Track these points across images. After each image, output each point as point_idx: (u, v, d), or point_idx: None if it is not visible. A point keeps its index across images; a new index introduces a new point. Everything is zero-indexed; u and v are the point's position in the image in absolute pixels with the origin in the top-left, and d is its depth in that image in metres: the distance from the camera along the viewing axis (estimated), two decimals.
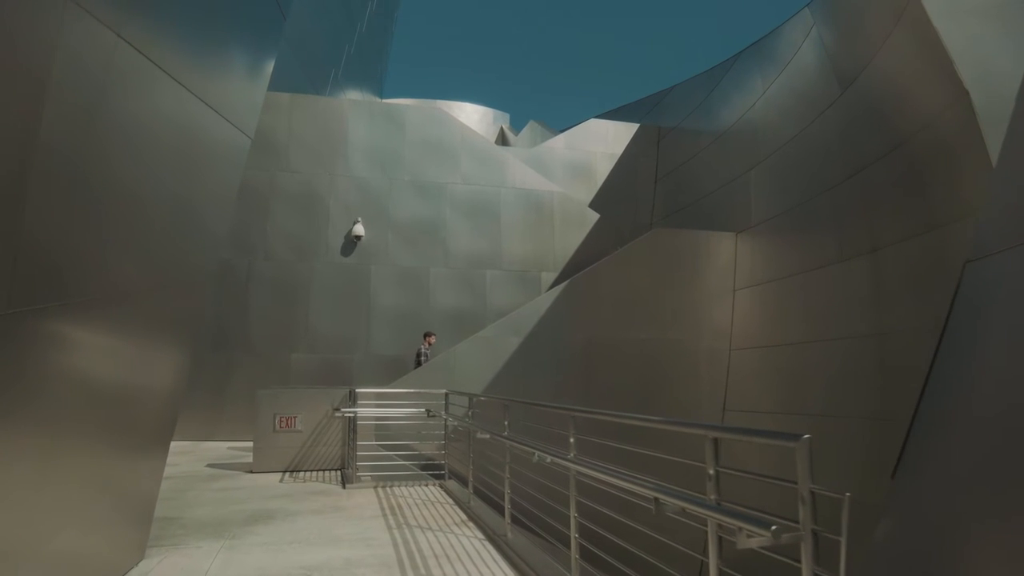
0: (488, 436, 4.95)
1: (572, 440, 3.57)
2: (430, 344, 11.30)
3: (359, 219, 12.42)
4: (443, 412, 7.38)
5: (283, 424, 8.27)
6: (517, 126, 23.67)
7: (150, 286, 4.43)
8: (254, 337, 11.94)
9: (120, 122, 3.68)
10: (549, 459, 3.55)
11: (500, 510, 5.33)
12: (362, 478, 7.33)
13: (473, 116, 22.72)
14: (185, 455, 9.80)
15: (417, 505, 6.29)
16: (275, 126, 12.37)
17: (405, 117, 13.05)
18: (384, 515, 5.84)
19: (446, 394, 7.56)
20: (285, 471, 8.19)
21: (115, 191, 3.75)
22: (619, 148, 16.04)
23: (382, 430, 7.87)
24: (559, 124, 17.38)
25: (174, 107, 4.37)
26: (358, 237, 12.39)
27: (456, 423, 6.70)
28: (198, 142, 4.90)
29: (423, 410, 7.45)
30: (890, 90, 8.20)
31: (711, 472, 2.30)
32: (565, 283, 11.29)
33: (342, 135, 12.68)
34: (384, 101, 13.72)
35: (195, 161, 4.90)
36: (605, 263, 11.58)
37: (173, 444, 11.04)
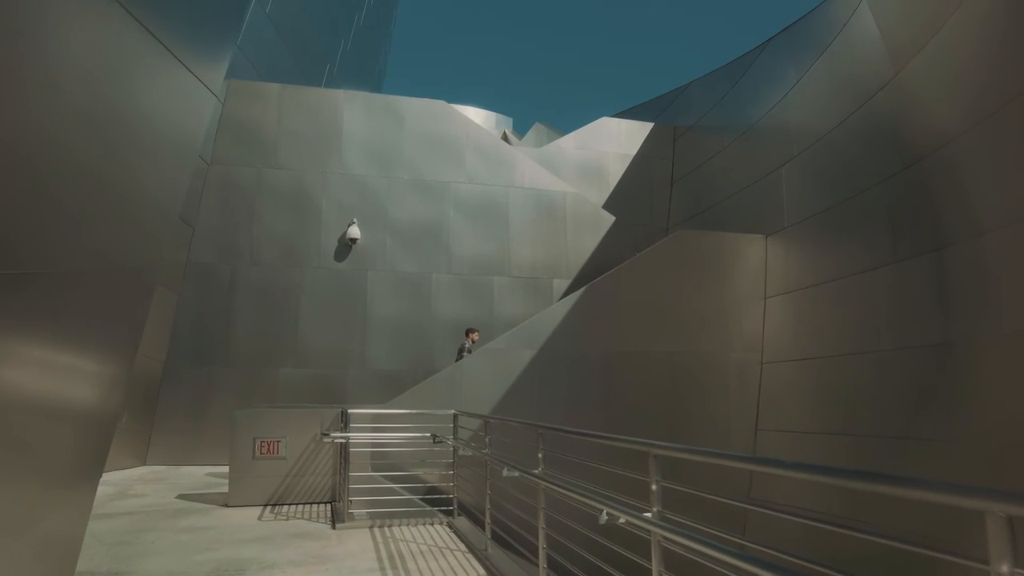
0: (517, 474, 3.83)
1: (655, 488, 2.47)
2: (474, 341, 10.39)
3: (354, 220, 11.36)
4: (451, 437, 6.25)
5: (264, 450, 7.13)
6: (521, 131, 22.72)
7: (82, 268, 3.37)
8: (238, 350, 10.81)
9: (54, 60, 2.67)
10: (623, 519, 2.45)
11: (528, 561, 4.21)
12: (355, 515, 6.19)
13: (475, 119, 21.76)
14: (156, 483, 8.64)
15: (422, 553, 5.15)
16: (263, 118, 11.34)
17: (405, 110, 12.03)
18: (382, 567, 4.70)
19: (454, 415, 6.43)
20: (266, 505, 7.04)
21: (42, 145, 2.73)
22: (632, 148, 15.05)
23: (379, 458, 6.75)
24: (567, 128, 16.37)
25: (128, 48, 3.38)
26: (353, 240, 11.32)
27: (470, 452, 5.56)
28: (154, 95, 3.84)
29: (427, 435, 6.32)
30: (963, 63, 7.18)
31: (1004, 572, 1.22)
32: (582, 290, 10.24)
33: (337, 129, 11.64)
34: (383, 96, 12.72)
35: (148, 119, 3.84)
36: (625, 268, 10.55)
37: (141, 470, 9.92)
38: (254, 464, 7.11)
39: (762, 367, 10.94)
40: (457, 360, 10.18)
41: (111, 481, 8.65)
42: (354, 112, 11.78)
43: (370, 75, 22.71)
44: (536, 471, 3.74)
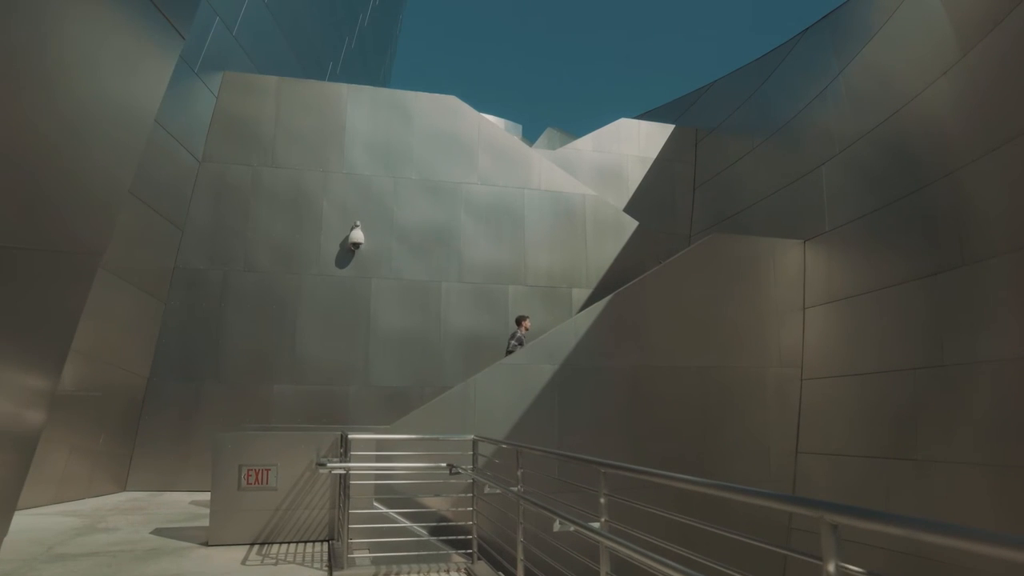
0: (573, 528, 2.88)
1: (832, 571, 1.54)
2: (527, 329, 9.99)
3: (358, 224, 10.50)
4: (470, 467, 5.30)
5: (252, 479, 6.18)
6: (530, 138, 21.93)
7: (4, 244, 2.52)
8: (229, 364, 9.90)
9: None
10: None
11: None
12: (356, 560, 5.23)
13: None
14: (132, 514, 7.68)
15: None
16: (260, 114, 10.51)
17: (413, 106, 11.20)
18: None
19: (474, 441, 5.49)
20: (253, 543, 6.07)
21: None
22: (652, 151, 14.23)
23: (385, 491, 5.80)
24: (579, 135, 15.49)
25: None
26: (356, 245, 10.45)
27: (498, 490, 4.57)
28: (114, 36, 2.98)
29: (441, 464, 5.36)
30: None
31: None
32: (606, 299, 9.36)
33: (339, 125, 10.80)
34: (389, 90, 11.95)
35: (107, 63, 2.96)
36: (653, 275, 9.68)
37: (120, 497, 8.94)
38: (240, 496, 6.15)
39: (802, 383, 10.03)
40: (508, 352, 9.66)
41: (82, 511, 7.69)
42: (358, 107, 10.95)
43: (375, 77, 21.99)
44: (597, 524, 2.80)
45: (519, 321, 10.13)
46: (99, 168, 3.09)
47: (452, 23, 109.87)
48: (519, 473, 4.23)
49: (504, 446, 6.01)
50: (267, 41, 11.60)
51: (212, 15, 9.56)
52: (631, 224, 11.99)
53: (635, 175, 13.99)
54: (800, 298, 10.20)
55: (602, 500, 2.91)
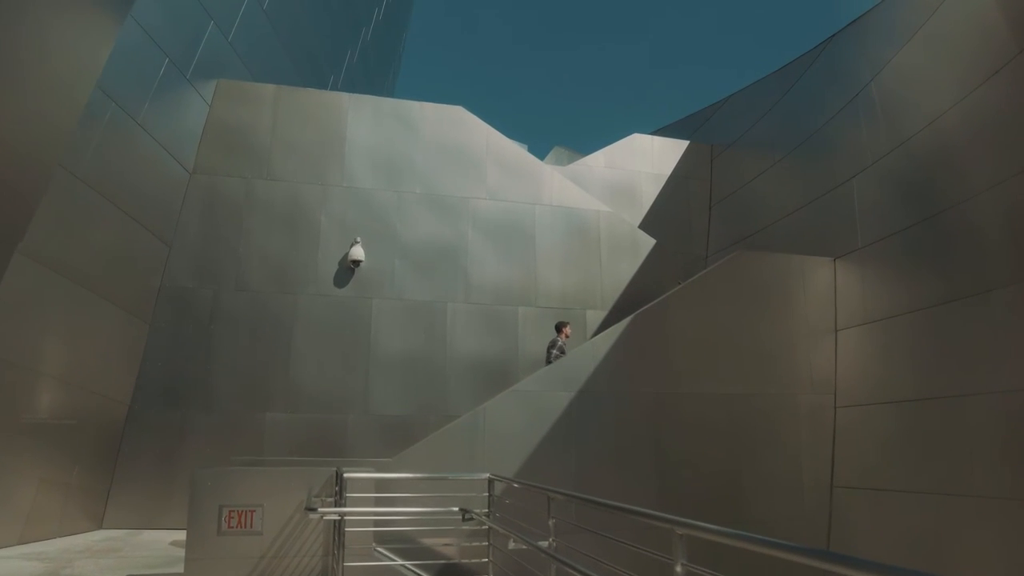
0: None
1: None
2: (568, 336, 9.45)
3: (358, 240, 9.90)
4: (484, 510, 4.56)
5: (234, 522, 5.44)
6: (537, 156, 21.51)
7: None
8: (218, 390, 9.22)
9: None
10: None
11: None
12: None
13: None
14: (105, 556, 6.90)
15: None
16: (255, 123, 9.98)
17: (418, 117, 10.67)
18: None
19: (489, 480, 4.76)
20: None
21: None
22: (666, 168, 13.72)
23: (386, 538, 5.06)
24: (586, 153, 14.98)
25: None
26: (356, 263, 9.84)
27: (523, 546, 3.81)
28: None
29: (452, 508, 4.63)
30: None
31: None
32: (626, 320, 8.71)
33: (339, 136, 10.26)
34: (393, 100, 11.46)
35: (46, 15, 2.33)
36: (675, 295, 9.07)
37: (94, 536, 8.08)
38: (220, 541, 5.42)
39: (835, 411, 9.32)
40: (548, 362, 9.12)
41: (48, 553, 6.91)
42: (359, 117, 10.43)
43: (377, 95, 21.68)
44: None
45: (559, 328, 9.49)
46: (26, 138, 2.44)
47: (454, 44, 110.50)
48: (551, 524, 3.51)
49: (517, 485, 5.31)
50: (265, 50, 11.13)
51: (207, 19, 9.06)
52: (648, 242, 11.38)
53: (648, 193, 13.46)
54: (832, 319, 9.55)
55: (679, 569, 2.20)
